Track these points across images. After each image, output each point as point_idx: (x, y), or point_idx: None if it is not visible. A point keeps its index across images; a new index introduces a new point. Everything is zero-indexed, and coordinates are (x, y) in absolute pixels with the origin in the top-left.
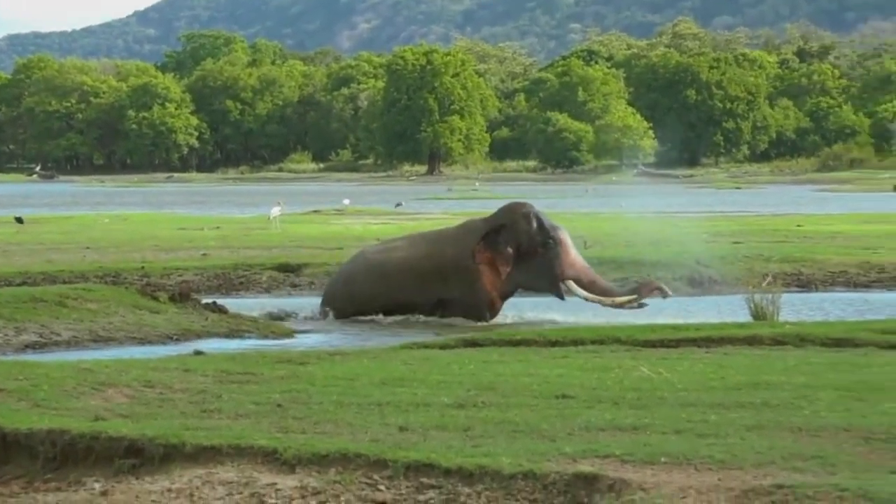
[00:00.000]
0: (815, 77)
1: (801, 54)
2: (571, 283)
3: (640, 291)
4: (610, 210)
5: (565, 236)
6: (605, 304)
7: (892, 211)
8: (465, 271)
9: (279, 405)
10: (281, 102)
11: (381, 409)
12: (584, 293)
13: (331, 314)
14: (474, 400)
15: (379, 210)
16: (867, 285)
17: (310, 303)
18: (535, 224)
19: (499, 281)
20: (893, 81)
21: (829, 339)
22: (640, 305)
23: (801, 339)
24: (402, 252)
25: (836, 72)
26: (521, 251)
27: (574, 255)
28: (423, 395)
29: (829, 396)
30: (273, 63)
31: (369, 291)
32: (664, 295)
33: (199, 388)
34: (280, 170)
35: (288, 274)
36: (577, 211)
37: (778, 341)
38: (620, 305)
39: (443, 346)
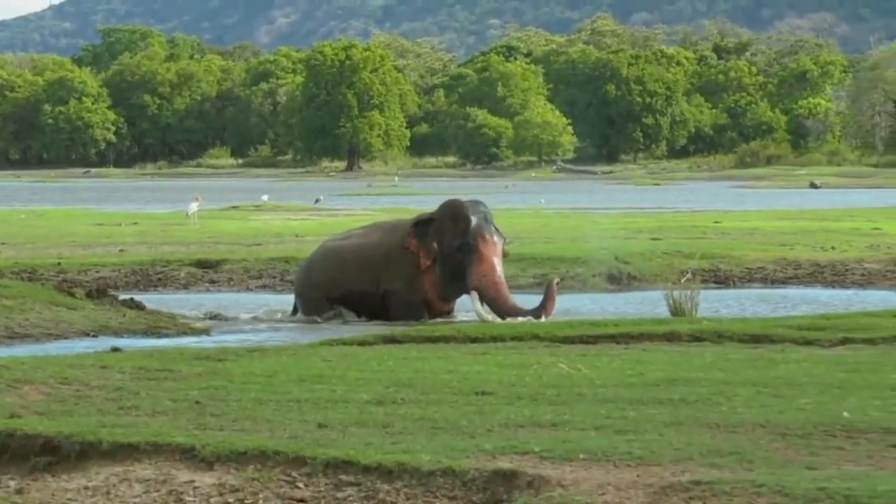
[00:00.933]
0: (733, 74)
1: (719, 51)
2: (473, 294)
3: (547, 306)
4: (529, 206)
5: (486, 247)
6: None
7: (808, 207)
8: (406, 263)
9: (197, 402)
10: (199, 97)
11: (300, 405)
12: (477, 306)
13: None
14: (393, 397)
15: (298, 206)
16: (784, 281)
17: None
18: (459, 225)
19: (433, 278)
20: (809, 78)
21: (746, 336)
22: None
23: (718, 335)
24: (358, 239)
25: (753, 68)
26: (443, 249)
27: (487, 268)
28: (341, 391)
29: (746, 392)
30: (191, 58)
31: (327, 278)
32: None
33: (117, 385)
34: (198, 165)
35: (206, 270)
36: (497, 207)
37: (696, 337)
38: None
39: (362, 343)
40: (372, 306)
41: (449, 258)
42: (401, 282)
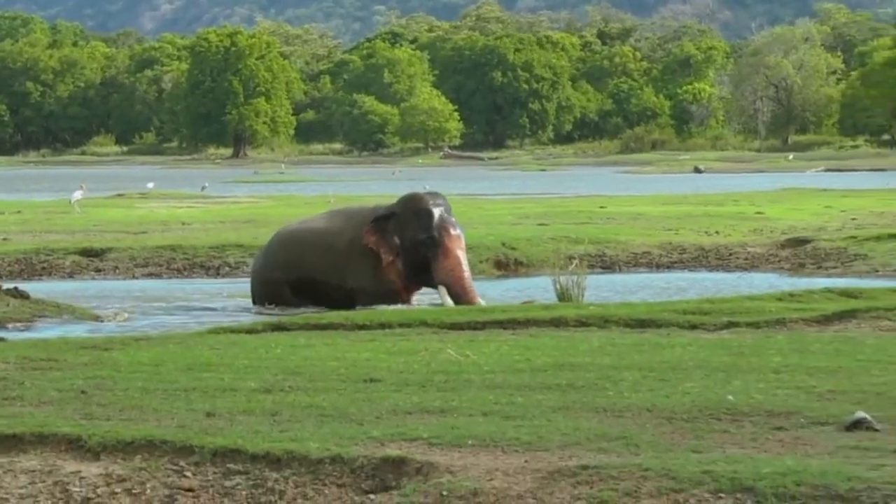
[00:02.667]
0: (617, 59)
1: (603, 37)
2: (441, 289)
3: None
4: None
5: (450, 241)
6: None
7: (692, 192)
8: (370, 257)
9: (83, 392)
10: (83, 84)
11: (188, 394)
12: (447, 301)
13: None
14: (281, 384)
15: (184, 193)
16: (669, 266)
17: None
18: (422, 220)
19: (398, 269)
20: (692, 64)
21: (632, 320)
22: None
23: (605, 320)
24: (318, 224)
25: (637, 54)
26: (405, 244)
27: (452, 262)
28: (229, 380)
29: (632, 377)
30: (74, 44)
31: (284, 261)
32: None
33: (1, 376)
34: (83, 153)
35: (92, 259)
36: (385, 194)
37: (583, 323)
38: None
39: (250, 331)
40: (333, 297)
41: (412, 252)
42: (368, 277)
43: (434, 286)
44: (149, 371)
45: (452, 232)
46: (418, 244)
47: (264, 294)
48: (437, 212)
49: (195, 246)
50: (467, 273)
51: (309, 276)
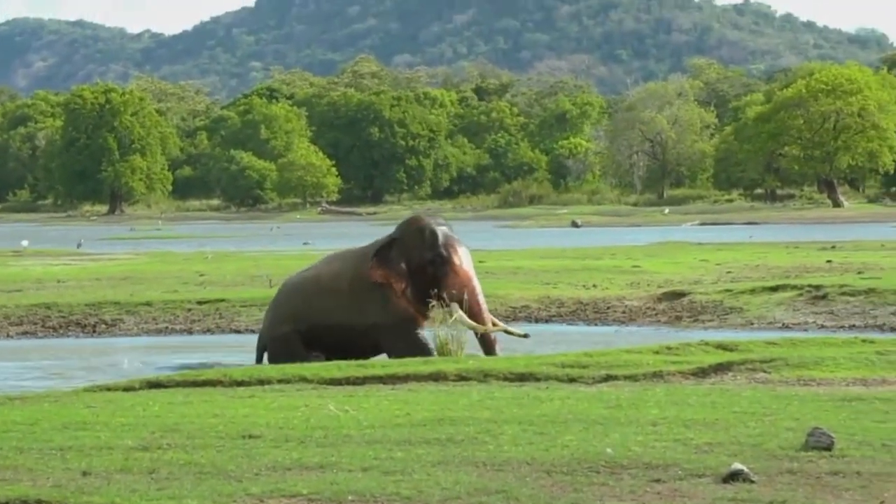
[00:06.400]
0: (494, 115)
1: (480, 92)
2: (455, 306)
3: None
4: (297, 248)
5: (456, 257)
6: (478, 331)
7: (570, 246)
8: (375, 289)
9: None
10: None
11: (63, 453)
12: (464, 317)
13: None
14: (159, 442)
15: (60, 251)
16: (548, 319)
17: None
18: (426, 239)
19: (406, 296)
20: (568, 119)
21: (511, 374)
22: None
23: (484, 374)
24: (316, 270)
25: (514, 109)
26: (412, 266)
27: (462, 278)
28: (106, 438)
29: (512, 430)
30: None
31: (291, 311)
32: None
33: None
34: None
35: None
36: (264, 249)
37: (462, 377)
38: (503, 332)
39: (126, 388)
40: (349, 340)
41: (419, 273)
42: (377, 313)
43: (444, 305)
44: (23, 430)
45: (459, 248)
46: (426, 264)
47: (277, 352)
48: (440, 230)
49: (71, 304)
50: (479, 288)
51: (316, 322)
